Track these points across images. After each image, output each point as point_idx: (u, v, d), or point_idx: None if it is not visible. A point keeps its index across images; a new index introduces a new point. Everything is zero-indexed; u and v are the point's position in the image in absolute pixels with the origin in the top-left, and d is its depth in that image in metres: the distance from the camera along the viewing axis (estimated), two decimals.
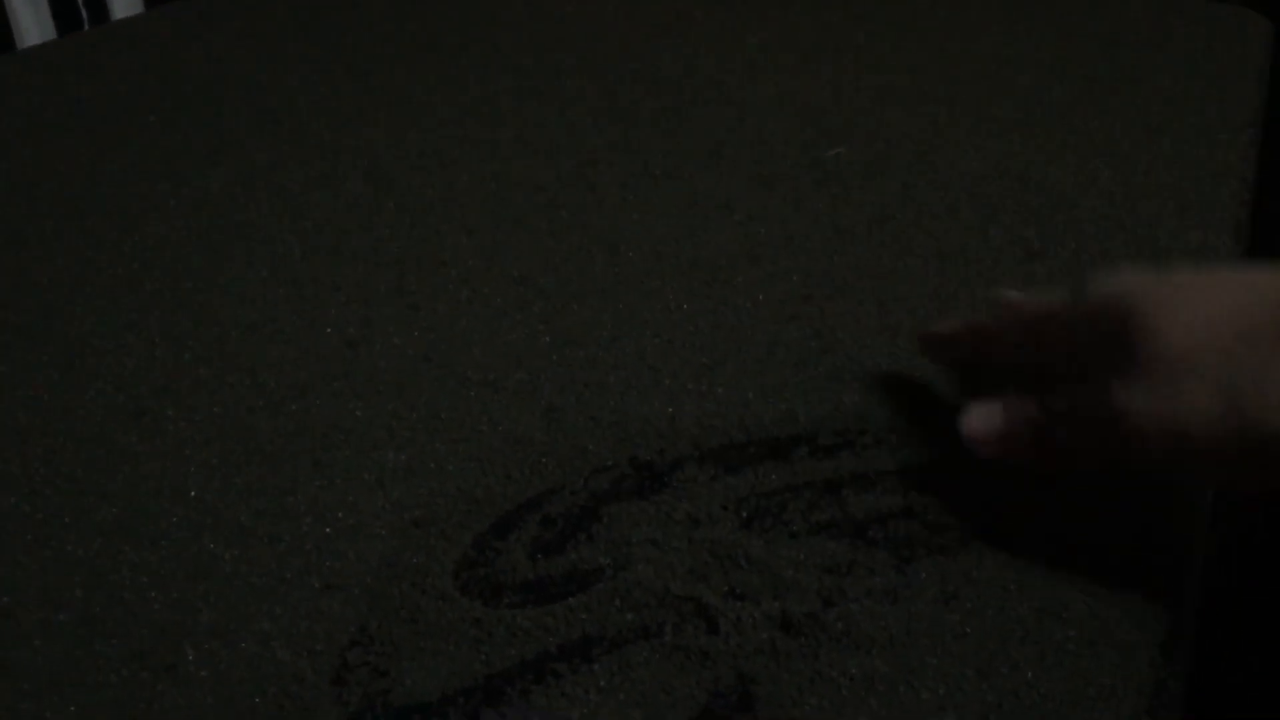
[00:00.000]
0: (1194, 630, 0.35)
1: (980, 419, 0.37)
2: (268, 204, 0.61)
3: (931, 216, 0.57)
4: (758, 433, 0.41)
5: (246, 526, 0.38)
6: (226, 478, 0.41)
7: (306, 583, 0.36)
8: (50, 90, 0.78)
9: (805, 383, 0.45)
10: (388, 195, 0.62)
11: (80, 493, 0.40)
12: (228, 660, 0.33)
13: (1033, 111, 0.69)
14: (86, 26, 1.12)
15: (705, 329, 0.49)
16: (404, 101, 0.74)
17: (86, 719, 0.31)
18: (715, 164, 0.64)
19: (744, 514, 0.37)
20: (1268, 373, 0.30)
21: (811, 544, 0.36)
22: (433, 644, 0.33)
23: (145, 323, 0.50)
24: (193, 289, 0.53)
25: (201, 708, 0.31)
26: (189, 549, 0.37)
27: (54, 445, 0.43)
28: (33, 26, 1.03)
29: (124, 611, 0.35)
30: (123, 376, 0.47)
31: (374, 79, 0.78)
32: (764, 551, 0.35)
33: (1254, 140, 0.64)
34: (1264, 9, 0.84)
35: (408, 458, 0.41)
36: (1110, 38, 0.79)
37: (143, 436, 0.43)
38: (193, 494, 0.40)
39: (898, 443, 0.41)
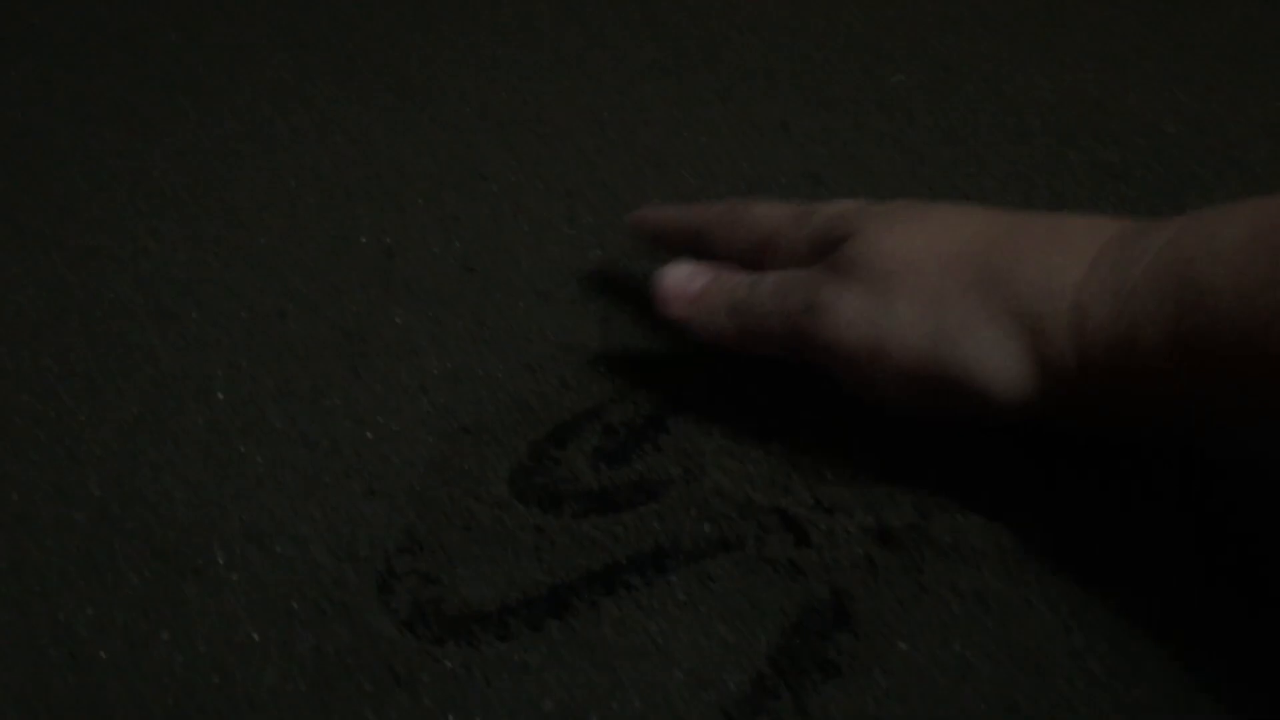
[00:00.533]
0: None
1: (676, 277, 0.35)
2: (294, 116, 0.58)
3: (1005, 139, 0.54)
4: None
5: (279, 429, 0.35)
6: (256, 380, 0.37)
7: (347, 486, 0.32)
8: (66, 1, 0.74)
9: None
10: (420, 110, 0.58)
11: (95, 391, 0.37)
12: (261, 563, 0.30)
13: (1105, 41, 0.65)
14: None
15: None
16: (436, 19, 0.71)
17: (105, 620, 0.28)
18: (770, 86, 0.60)
19: (823, 424, 0.34)
20: (960, 316, 0.29)
21: (901, 451, 0.32)
22: (489, 551, 0.30)
23: (165, 228, 0.47)
24: (216, 196, 0.50)
25: (232, 611, 0.28)
26: (216, 450, 0.34)
27: (67, 343, 0.39)
28: None
29: (145, 510, 0.31)
30: (140, 277, 0.43)
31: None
32: (849, 464, 0.32)
33: None
34: None
35: (453, 365, 0.38)
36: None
37: (163, 337, 0.40)
38: (220, 395, 0.36)
39: None
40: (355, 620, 0.28)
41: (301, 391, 0.37)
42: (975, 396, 0.28)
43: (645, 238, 0.41)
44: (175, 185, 0.51)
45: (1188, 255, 0.26)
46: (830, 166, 0.51)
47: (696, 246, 0.38)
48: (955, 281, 0.29)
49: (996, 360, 0.28)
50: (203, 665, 0.27)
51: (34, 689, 0.27)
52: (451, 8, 0.73)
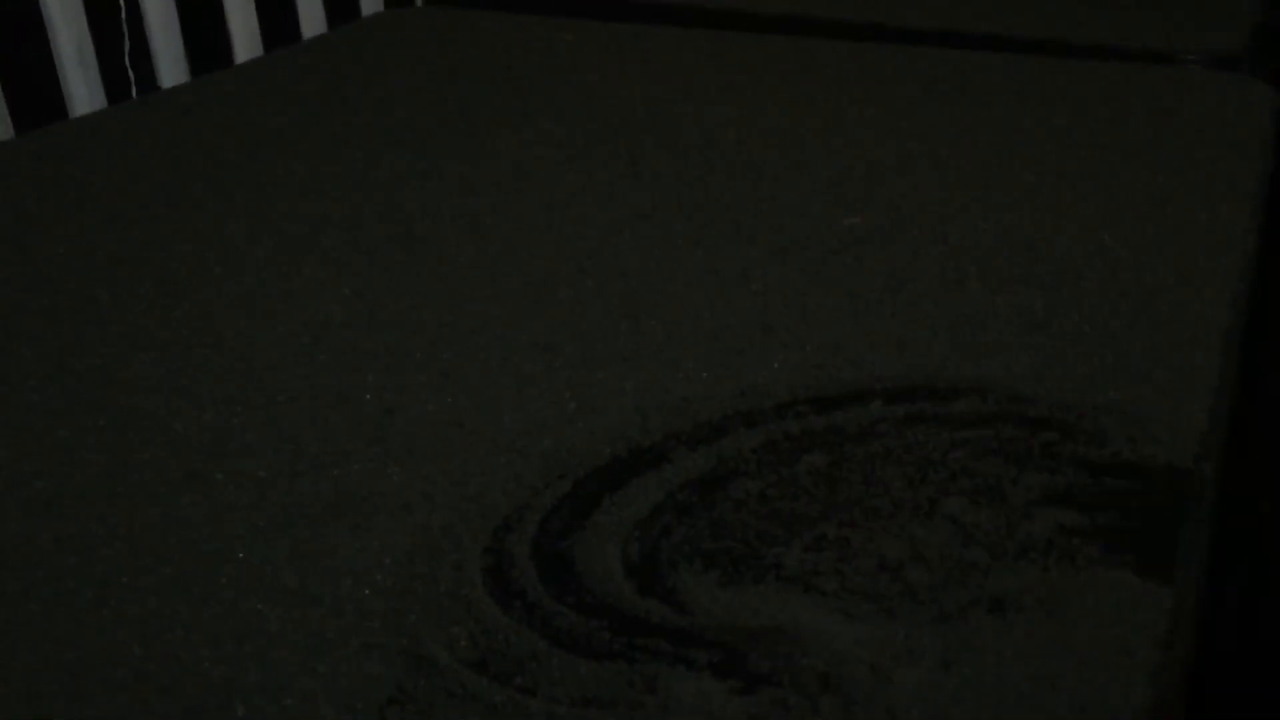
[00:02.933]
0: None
1: None
2: (310, 270, 0.64)
3: (942, 286, 0.60)
4: None
5: (291, 588, 0.41)
6: (271, 541, 0.43)
7: (347, 642, 0.38)
8: (100, 159, 0.82)
9: None
10: (422, 261, 0.65)
11: (136, 553, 0.43)
12: (275, 717, 0.35)
13: (1043, 180, 0.71)
14: (134, 94, 1.17)
15: (723, 396, 0.51)
16: (437, 170, 0.78)
17: None
18: (735, 233, 0.67)
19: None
20: None
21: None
22: (467, 707, 0.36)
23: (195, 388, 0.54)
24: (239, 355, 0.56)
25: None
26: (238, 609, 0.40)
27: (111, 508, 0.46)
28: (84, 95, 1.08)
29: (178, 668, 0.37)
30: (174, 440, 0.50)
31: (408, 146, 0.82)
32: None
33: (1257, 210, 0.66)
34: (1267, 78, 0.86)
35: (442, 522, 0.44)
36: (1119, 108, 0.82)
37: (193, 499, 0.46)
38: (241, 555, 0.42)
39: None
40: None
41: (310, 552, 0.43)
42: None
43: None
44: (203, 343, 0.57)
45: None
46: (782, 316, 0.57)
47: None
48: None
49: None
50: None
51: None
52: (453, 156, 0.80)
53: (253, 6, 1.26)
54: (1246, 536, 0.64)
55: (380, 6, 1.30)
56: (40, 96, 1.05)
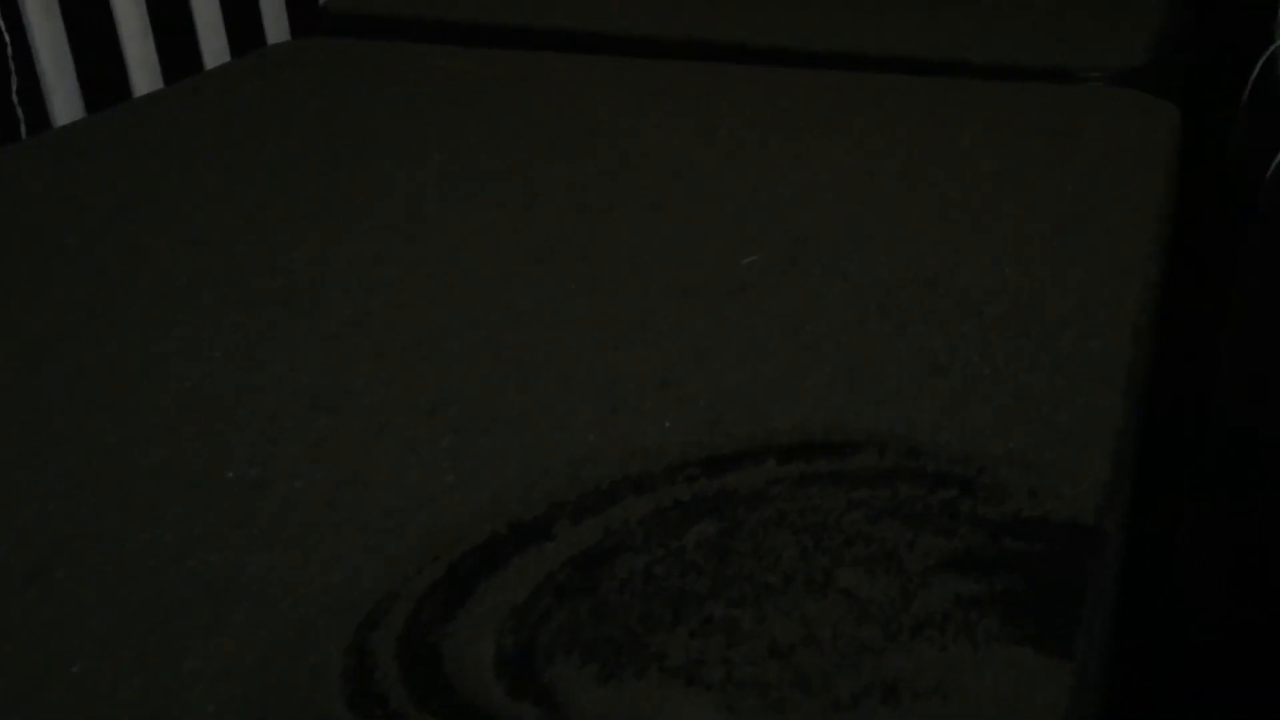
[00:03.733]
0: None
1: None
2: (182, 330, 0.61)
3: (842, 328, 0.58)
4: None
5: (130, 704, 0.37)
6: (115, 647, 0.40)
7: None
8: None
9: None
10: (302, 317, 0.62)
11: None
12: None
13: (946, 209, 0.70)
14: (24, 133, 1.12)
15: (613, 459, 0.48)
16: (327, 213, 0.74)
17: None
18: (634, 276, 0.64)
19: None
20: None
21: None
22: None
23: (45, 470, 0.50)
24: (97, 429, 0.52)
25: None
26: None
27: None
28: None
29: None
30: (13, 532, 0.46)
31: (300, 188, 0.78)
32: None
33: (1159, 236, 0.65)
34: (1168, 93, 0.86)
35: (302, 617, 0.41)
36: (1022, 129, 0.81)
37: (30, 602, 0.42)
38: (75, 669, 0.39)
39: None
40: None
41: (156, 661, 0.39)
42: None
43: None
44: (61, 415, 0.53)
45: None
46: (678, 367, 0.55)
47: None
48: None
49: None
50: None
51: None
52: (345, 198, 0.77)
53: (151, 38, 1.21)
54: (1156, 596, 0.63)
55: (285, 35, 1.26)
56: None
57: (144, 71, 1.20)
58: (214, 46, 1.20)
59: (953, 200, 0.71)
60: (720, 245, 0.67)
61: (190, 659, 0.39)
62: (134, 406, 0.54)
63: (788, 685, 0.36)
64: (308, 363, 0.57)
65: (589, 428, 0.51)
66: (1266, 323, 0.94)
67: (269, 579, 0.43)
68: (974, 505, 0.44)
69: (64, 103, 1.20)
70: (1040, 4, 1.06)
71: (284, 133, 0.88)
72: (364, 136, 0.87)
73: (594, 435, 0.50)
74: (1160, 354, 0.59)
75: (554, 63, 1.00)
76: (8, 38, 1.17)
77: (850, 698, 0.36)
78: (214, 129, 0.90)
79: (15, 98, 1.18)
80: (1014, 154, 0.77)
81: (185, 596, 0.42)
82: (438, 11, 1.13)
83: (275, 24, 1.26)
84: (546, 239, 0.69)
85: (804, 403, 0.52)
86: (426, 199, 0.76)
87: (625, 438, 0.50)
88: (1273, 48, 1.22)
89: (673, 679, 0.37)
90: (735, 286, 0.62)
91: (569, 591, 0.41)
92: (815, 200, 0.72)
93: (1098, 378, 0.52)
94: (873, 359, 0.55)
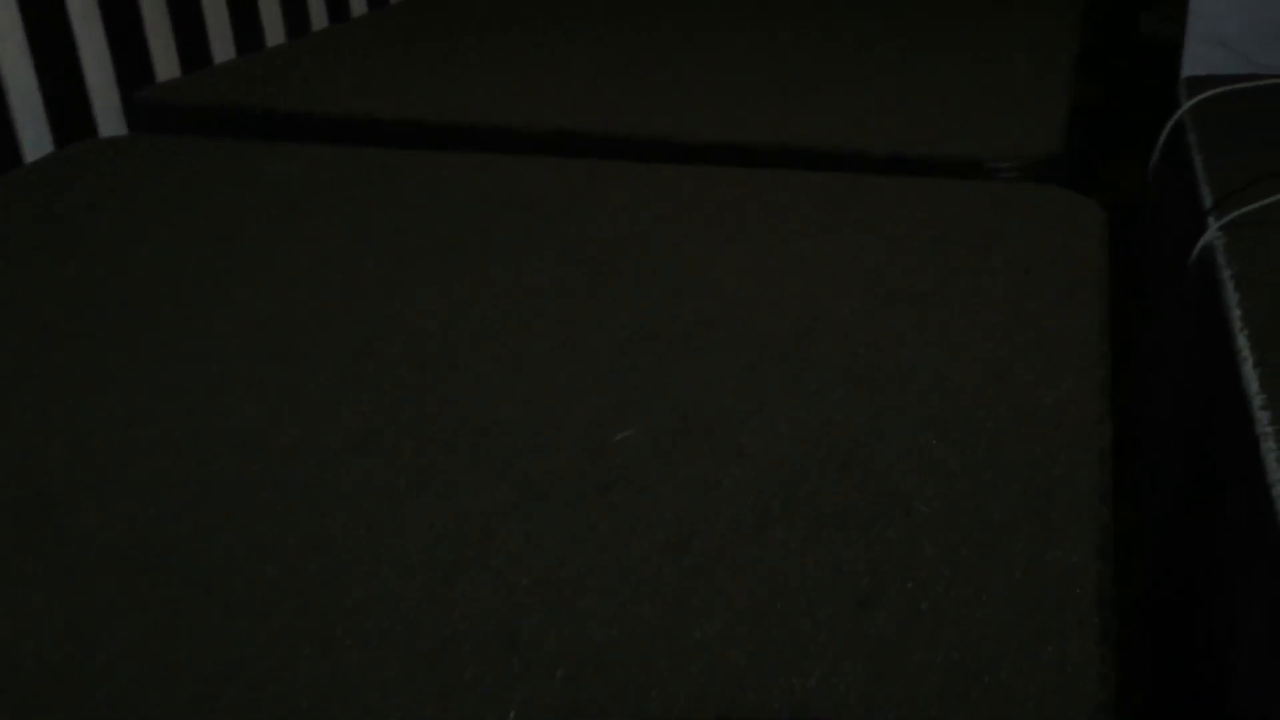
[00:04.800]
0: None
1: None
2: None
3: (738, 537, 0.46)
4: None
5: None
6: None
7: None
8: None
9: None
10: (40, 540, 0.47)
11: None
12: None
13: (855, 350, 0.59)
14: None
15: None
16: (98, 368, 0.60)
17: None
18: (476, 464, 0.51)
19: None
20: None
21: None
22: None
23: None
24: None
25: None
26: None
27: None
28: None
29: None
30: None
31: (79, 327, 0.63)
32: None
33: (1105, 385, 0.55)
34: (1085, 188, 0.77)
35: None
36: (933, 237, 0.71)
37: None
38: None
39: None
40: None
41: None
42: None
43: None
44: None
45: None
46: (535, 613, 0.42)
47: None
48: None
49: None
50: None
51: None
52: (117, 354, 0.62)
53: None
54: None
55: (121, 128, 1.09)
56: None
57: None
58: (37, 138, 1.03)
59: (861, 339, 0.60)
60: (584, 416, 0.55)
61: None
62: None
63: None
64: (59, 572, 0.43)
65: (414, 711, 0.38)
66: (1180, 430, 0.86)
67: None
68: None
69: None
70: (934, 87, 0.98)
71: (70, 257, 0.73)
72: (162, 264, 0.72)
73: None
74: (1132, 578, 0.48)
75: (378, 160, 0.87)
76: None
77: None
78: (9, 241, 0.75)
79: None
80: (929, 271, 0.67)
81: None
82: (269, 101, 0.99)
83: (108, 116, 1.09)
84: (370, 414, 0.56)
85: (691, 669, 0.39)
86: (220, 364, 0.62)
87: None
88: (1176, 116, 1.16)
89: None
90: (604, 478, 0.50)
91: None
92: (696, 342, 0.60)
93: (1062, 611, 0.41)
94: (780, 590, 0.43)
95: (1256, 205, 0.88)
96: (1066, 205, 0.75)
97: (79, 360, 0.61)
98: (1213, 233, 0.88)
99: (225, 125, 0.98)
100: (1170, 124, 1.14)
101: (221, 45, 1.16)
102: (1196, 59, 1.23)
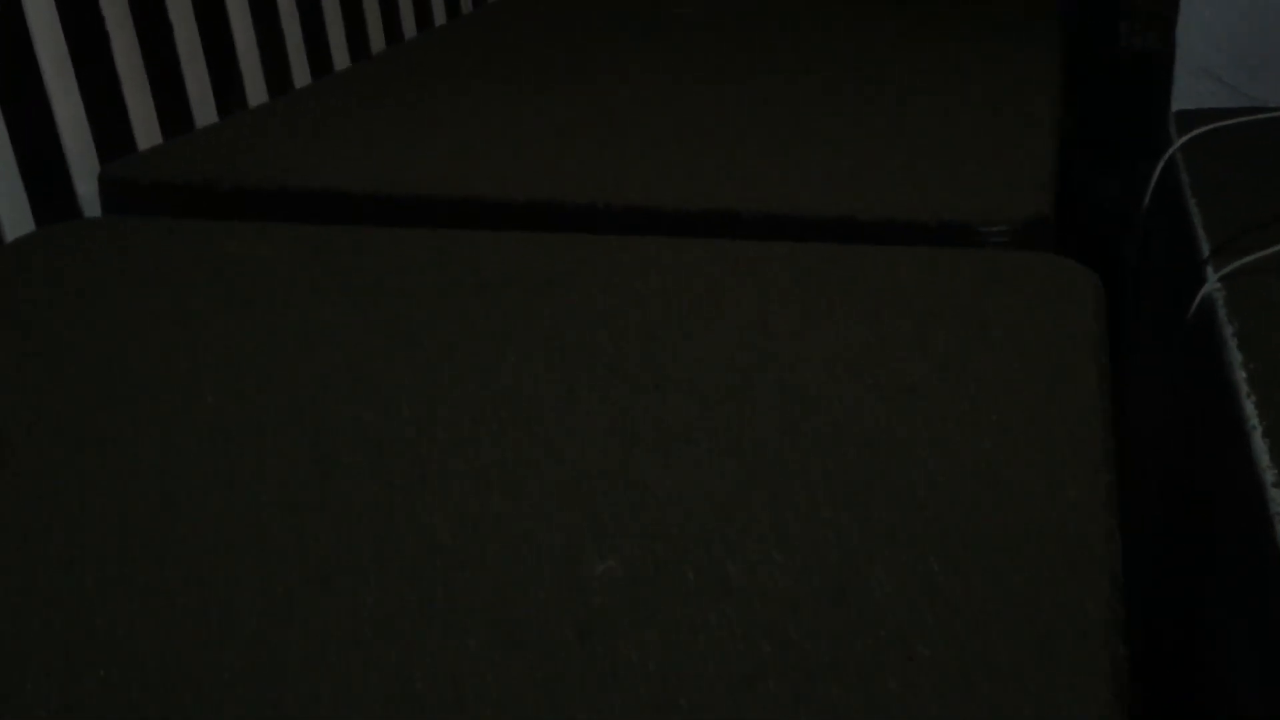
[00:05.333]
0: None
1: None
2: None
3: (727, 693, 0.42)
4: None
5: None
6: None
7: None
8: None
9: None
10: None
11: None
12: None
13: (846, 462, 0.56)
14: None
15: None
16: (32, 475, 0.56)
17: None
18: (444, 609, 0.48)
19: None
20: None
21: None
22: None
23: None
24: None
25: None
26: None
27: None
28: None
29: None
30: None
31: (28, 440, 0.60)
32: None
33: (1110, 505, 0.52)
34: (1082, 255, 0.74)
35: None
36: (922, 322, 0.68)
37: None
38: None
39: None
40: None
41: None
42: None
43: None
44: None
45: None
46: None
47: None
48: None
49: None
50: None
51: None
52: (56, 467, 0.58)
53: None
54: None
55: (97, 210, 1.05)
56: None
57: None
58: (16, 218, 0.99)
59: (850, 438, 0.57)
60: (559, 545, 0.51)
61: None
62: None
63: None
64: None
65: None
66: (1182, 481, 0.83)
67: None
68: None
69: None
70: (917, 143, 0.95)
71: (26, 354, 0.70)
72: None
73: None
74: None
75: (369, 241, 0.84)
76: None
77: None
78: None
79: None
80: (920, 360, 0.64)
81: None
82: (237, 177, 0.96)
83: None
84: (323, 538, 0.53)
85: None
86: (176, 459, 0.58)
87: None
88: (1168, 154, 1.14)
89: None
90: (583, 622, 0.47)
91: None
92: (677, 452, 0.57)
93: None
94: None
95: (1257, 255, 0.85)
96: (1060, 275, 0.72)
97: (22, 473, 0.58)
98: (1212, 284, 0.85)
99: (192, 202, 0.95)
100: (1162, 163, 1.12)
101: (202, 110, 1.13)
102: (1186, 91, 1.20)
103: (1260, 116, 1.10)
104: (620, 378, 0.64)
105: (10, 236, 0.95)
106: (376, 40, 1.47)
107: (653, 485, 0.55)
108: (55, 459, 0.60)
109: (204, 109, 1.14)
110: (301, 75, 1.31)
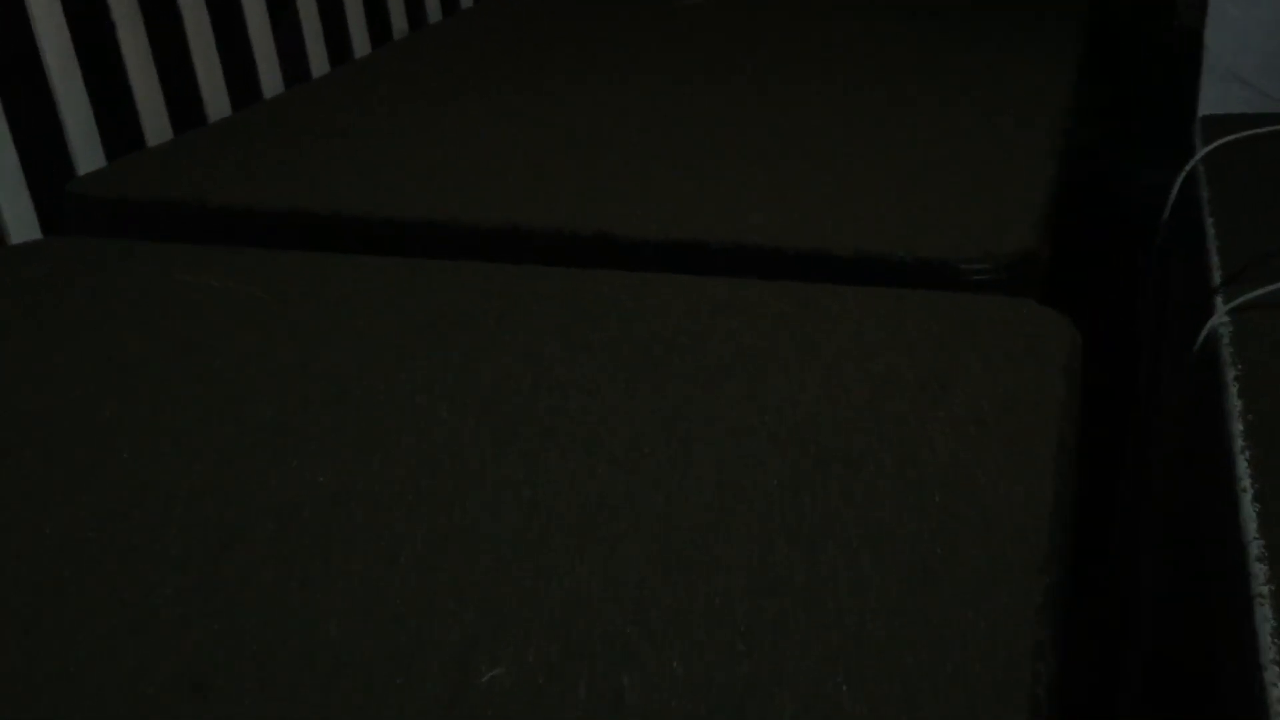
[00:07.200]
0: None
1: None
2: None
3: None
4: None
5: None
6: None
7: None
8: None
9: None
10: None
11: None
12: None
13: (768, 551, 0.51)
14: None
15: None
16: None
17: None
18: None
19: None
20: None
21: None
22: None
23: None
24: None
25: None
26: None
27: None
28: None
29: None
30: None
31: None
32: None
33: (1047, 597, 0.47)
34: (1062, 303, 0.69)
35: None
36: (880, 381, 0.63)
37: None
38: None
39: None
40: None
41: None
42: None
43: None
44: None
45: None
46: None
47: None
48: None
49: None
50: None
51: None
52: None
53: None
54: None
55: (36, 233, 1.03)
56: None
57: None
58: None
59: (777, 528, 0.53)
60: (457, 638, 0.48)
61: None
62: None
63: None
64: None
65: None
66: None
67: None
68: None
69: None
70: (907, 169, 0.89)
71: None
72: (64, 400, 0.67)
73: None
74: None
75: (323, 270, 0.81)
76: None
77: None
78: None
79: None
80: (869, 426, 0.59)
81: None
82: (199, 195, 0.93)
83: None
84: (220, 633, 0.50)
85: None
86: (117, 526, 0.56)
87: None
88: (1190, 165, 1.06)
89: None
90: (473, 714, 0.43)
91: None
92: (601, 523, 0.54)
93: None
94: None
95: (1270, 289, 0.79)
96: (1035, 327, 0.67)
97: None
98: (1219, 318, 0.79)
99: (154, 220, 0.93)
100: (1183, 174, 1.05)
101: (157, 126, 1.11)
102: (1213, 96, 1.13)
103: None
104: (554, 442, 0.60)
105: (15, 240, 0.95)
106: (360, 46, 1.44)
107: (563, 573, 0.51)
108: None
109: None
110: (316, 67, 1.28)
